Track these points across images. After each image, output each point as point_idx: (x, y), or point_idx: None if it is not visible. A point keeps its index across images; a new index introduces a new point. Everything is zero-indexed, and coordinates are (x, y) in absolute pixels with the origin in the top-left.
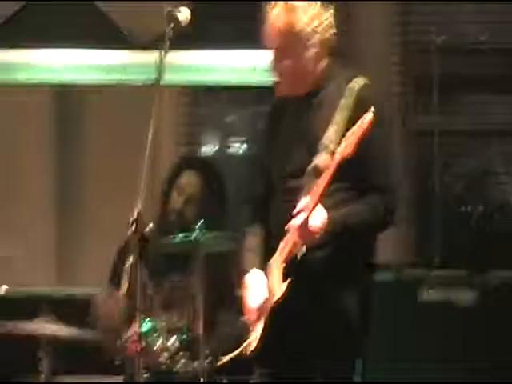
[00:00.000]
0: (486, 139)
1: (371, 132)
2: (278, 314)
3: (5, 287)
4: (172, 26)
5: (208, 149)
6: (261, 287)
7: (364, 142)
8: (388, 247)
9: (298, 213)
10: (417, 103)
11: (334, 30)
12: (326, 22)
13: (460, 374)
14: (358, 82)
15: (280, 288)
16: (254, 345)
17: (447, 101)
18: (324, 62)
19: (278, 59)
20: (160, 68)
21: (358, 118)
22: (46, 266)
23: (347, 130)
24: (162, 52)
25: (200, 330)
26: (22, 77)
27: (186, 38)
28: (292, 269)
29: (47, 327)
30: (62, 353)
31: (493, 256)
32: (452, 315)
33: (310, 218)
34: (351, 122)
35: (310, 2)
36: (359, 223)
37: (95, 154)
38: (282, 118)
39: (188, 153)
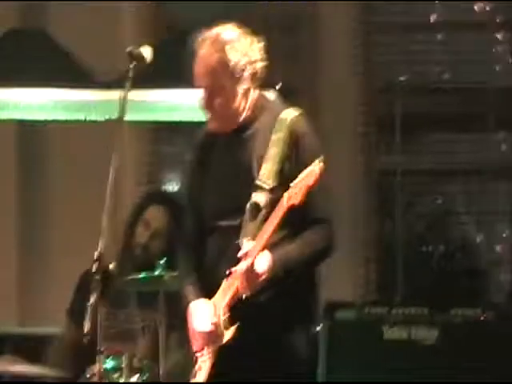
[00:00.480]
0: (448, 178)
1: (308, 166)
2: (225, 355)
3: None
4: (134, 64)
5: (170, 187)
6: (205, 312)
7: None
8: (349, 286)
9: (241, 258)
10: (379, 143)
11: (263, 62)
12: (256, 56)
13: None
14: (289, 114)
15: (225, 332)
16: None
17: (410, 140)
18: (254, 95)
19: (208, 97)
20: (122, 106)
21: (292, 152)
22: (7, 306)
23: (281, 165)
24: (124, 90)
25: (161, 368)
26: None
27: (148, 77)
28: (237, 312)
29: (11, 366)
30: None
31: (453, 294)
32: (413, 353)
33: (255, 263)
34: (285, 155)
35: (238, 36)
36: (300, 262)
37: (58, 193)
38: (212, 155)
39: (154, 188)
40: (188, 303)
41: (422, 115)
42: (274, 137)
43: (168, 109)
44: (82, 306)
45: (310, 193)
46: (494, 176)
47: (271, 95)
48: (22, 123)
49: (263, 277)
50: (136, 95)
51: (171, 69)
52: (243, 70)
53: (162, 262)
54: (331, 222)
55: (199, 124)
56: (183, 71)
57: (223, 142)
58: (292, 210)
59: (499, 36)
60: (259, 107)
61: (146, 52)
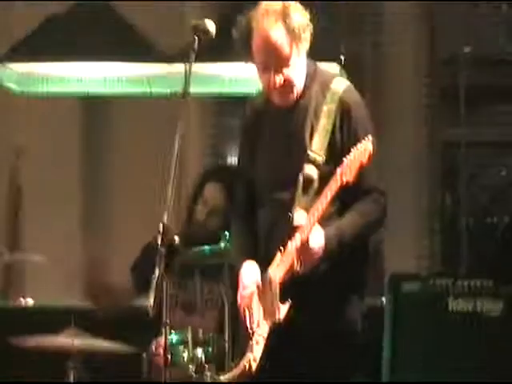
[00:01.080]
0: None
1: (359, 134)
2: (278, 335)
3: (30, 300)
4: (198, 38)
5: (233, 160)
6: (254, 268)
7: (352, 147)
8: (414, 257)
9: (294, 231)
10: (443, 114)
11: (311, 29)
12: (307, 23)
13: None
14: (340, 85)
15: (279, 308)
16: (255, 364)
17: (474, 112)
18: (306, 64)
19: (273, 70)
20: (187, 79)
21: (343, 123)
22: (73, 281)
23: (332, 136)
24: (188, 64)
25: (227, 343)
26: (51, 88)
27: (213, 50)
28: (291, 287)
29: (75, 340)
30: (90, 364)
31: None
32: (479, 325)
33: (309, 240)
34: (336, 127)
35: (291, 4)
36: (353, 235)
37: (123, 166)
38: (263, 126)
39: (212, 164)
40: (240, 266)
41: (486, 87)
42: (325, 108)
43: (231, 82)
44: (146, 276)
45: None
46: None
47: (329, 67)
48: (86, 97)
49: (318, 254)
50: (200, 68)
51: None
52: (305, 31)
53: (226, 234)
54: (382, 193)
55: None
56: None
57: (274, 113)
58: (345, 185)
59: None
60: (310, 76)
61: (211, 25)
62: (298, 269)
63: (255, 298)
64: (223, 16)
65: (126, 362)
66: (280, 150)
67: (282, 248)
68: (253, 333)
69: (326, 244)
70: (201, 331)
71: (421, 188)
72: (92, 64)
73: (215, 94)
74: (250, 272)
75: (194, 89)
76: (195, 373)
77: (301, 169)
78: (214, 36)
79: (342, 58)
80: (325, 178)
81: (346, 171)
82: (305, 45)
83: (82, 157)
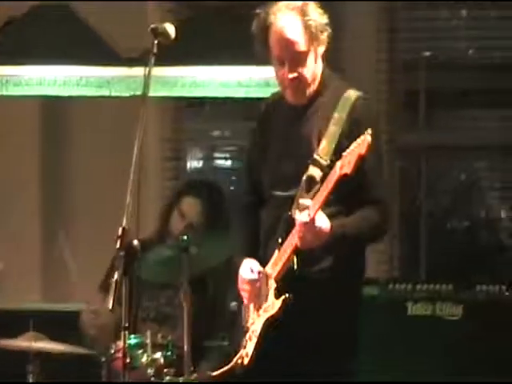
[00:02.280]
0: (473, 154)
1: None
2: (271, 331)
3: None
4: (157, 41)
5: (194, 163)
6: (253, 264)
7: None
8: (374, 262)
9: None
10: (403, 119)
11: (328, 29)
12: (329, 30)
13: None
14: (353, 94)
15: (273, 304)
16: (246, 360)
17: (434, 116)
18: (322, 68)
19: (290, 68)
20: (146, 82)
21: (351, 132)
22: (32, 282)
23: (339, 143)
24: (148, 67)
25: (186, 346)
26: (11, 91)
27: (172, 54)
28: (286, 284)
29: (35, 342)
30: (49, 368)
31: (478, 271)
32: (438, 329)
33: (316, 218)
34: (345, 134)
35: (308, 3)
36: (357, 234)
37: (82, 170)
38: (274, 126)
39: (190, 178)
40: (240, 262)
41: (446, 91)
42: (336, 115)
43: (192, 85)
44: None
45: (368, 173)
46: None
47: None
48: (46, 99)
49: (323, 233)
50: (160, 71)
51: (195, 45)
52: (322, 32)
53: (185, 237)
54: (387, 204)
55: (223, 100)
56: (206, 48)
57: (287, 111)
58: (345, 182)
59: None
60: (324, 81)
61: (170, 29)
62: (299, 245)
63: (251, 295)
64: (184, 20)
65: (86, 366)
66: (288, 149)
67: (280, 245)
68: (247, 329)
69: (331, 229)
70: (160, 335)
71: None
72: (52, 67)
73: (176, 97)
74: (248, 268)
75: (154, 92)
76: (154, 376)
77: (305, 170)
78: (173, 39)
79: None
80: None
81: (345, 163)
82: (321, 48)
83: (42, 159)
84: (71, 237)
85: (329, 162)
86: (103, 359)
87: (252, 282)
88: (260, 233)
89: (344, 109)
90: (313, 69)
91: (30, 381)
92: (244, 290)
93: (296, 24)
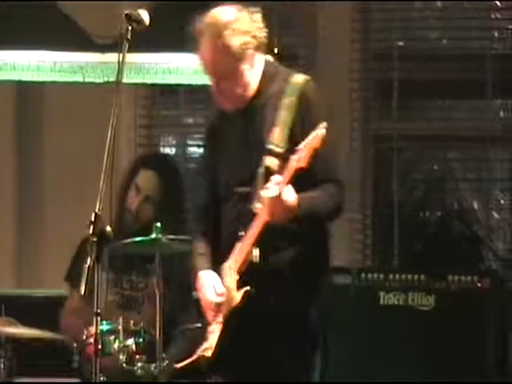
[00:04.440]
0: (446, 145)
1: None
2: (234, 321)
3: None
4: (131, 27)
5: (167, 150)
6: (217, 284)
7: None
8: (346, 251)
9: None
10: (376, 108)
11: (265, 32)
12: (257, 29)
13: (416, 375)
14: (300, 79)
15: (235, 295)
16: (210, 352)
17: (407, 106)
18: (261, 66)
19: (216, 83)
20: (119, 69)
21: (302, 115)
22: (4, 268)
23: (292, 128)
24: (122, 53)
25: (157, 332)
26: None
27: (146, 40)
28: (247, 275)
29: (6, 328)
30: (20, 353)
31: (450, 261)
32: (410, 319)
33: (283, 192)
34: (296, 119)
35: (236, 15)
36: (322, 208)
37: (55, 155)
38: (226, 128)
39: (146, 151)
40: (197, 273)
41: (419, 81)
42: (285, 101)
43: (165, 72)
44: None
45: (322, 157)
46: (492, 143)
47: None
48: (19, 84)
49: (291, 207)
50: (134, 58)
51: (169, 32)
52: (246, 49)
53: (157, 224)
54: (343, 184)
55: (196, 87)
56: (181, 34)
57: (237, 112)
58: (301, 172)
59: (498, 2)
60: (268, 75)
61: (144, 15)
62: (271, 219)
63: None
64: (159, 6)
65: (58, 351)
66: (241, 149)
67: (241, 238)
68: (210, 323)
69: (297, 204)
70: (132, 322)
71: (353, 182)
72: (26, 52)
73: (149, 84)
74: (212, 290)
75: (127, 78)
76: (126, 363)
77: (261, 162)
78: (147, 25)
79: (276, 50)
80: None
81: (301, 157)
82: (255, 51)
83: (16, 144)
84: (45, 222)
85: (284, 149)
86: (75, 345)
87: (218, 305)
88: (219, 232)
89: (293, 93)
90: (247, 76)
91: (1, 366)
92: (209, 310)
93: (219, 45)
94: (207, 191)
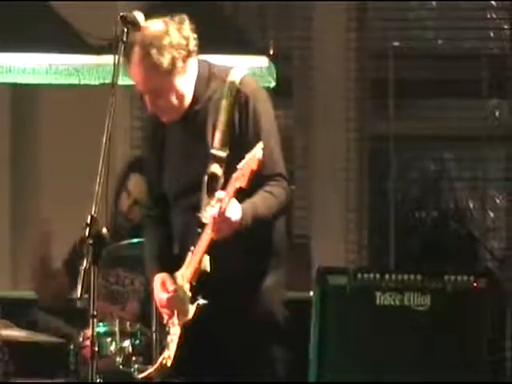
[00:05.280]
0: (441, 144)
1: (259, 126)
2: (192, 330)
3: None
4: (126, 29)
5: None
6: (167, 282)
7: (254, 136)
8: (342, 252)
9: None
10: (372, 108)
11: (194, 37)
12: (187, 39)
13: (412, 375)
14: (236, 76)
15: (188, 309)
16: (169, 361)
17: (403, 106)
18: (195, 72)
19: (150, 99)
20: (115, 71)
21: (241, 114)
22: (0, 269)
23: (233, 129)
24: (117, 56)
25: (154, 335)
26: None
27: None
28: (200, 286)
29: (2, 330)
30: (16, 355)
31: (446, 261)
32: (406, 319)
33: (227, 209)
34: (236, 119)
35: (164, 30)
36: (267, 212)
37: (51, 157)
38: (166, 134)
39: (135, 155)
40: (152, 276)
41: (415, 81)
42: (223, 102)
43: None
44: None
45: (267, 152)
46: (487, 142)
47: (259, 60)
48: (15, 87)
49: (234, 224)
50: None
51: None
52: (176, 63)
53: None
54: (286, 178)
55: None
56: None
57: (169, 126)
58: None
59: (493, 2)
60: (204, 78)
61: (139, 17)
62: (214, 237)
63: (170, 308)
64: (154, 8)
65: (54, 353)
66: (184, 157)
67: (192, 248)
68: (168, 331)
69: (242, 216)
70: (128, 323)
71: (349, 182)
72: (21, 54)
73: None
74: (161, 288)
75: (123, 80)
76: (122, 365)
77: (204, 169)
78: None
79: (271, 51)
80: (230, 174)
81: (239, 176)
82: (186, 61)
83: (12, 146)
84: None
85: (227, 152)
86: (71, 347)
87: (169, 300)
88: (170, 243)
89: (230, 94)
90: (180, 85)
91: None
92: (163, 309)
93: (145, 68)
94: (153, 206)
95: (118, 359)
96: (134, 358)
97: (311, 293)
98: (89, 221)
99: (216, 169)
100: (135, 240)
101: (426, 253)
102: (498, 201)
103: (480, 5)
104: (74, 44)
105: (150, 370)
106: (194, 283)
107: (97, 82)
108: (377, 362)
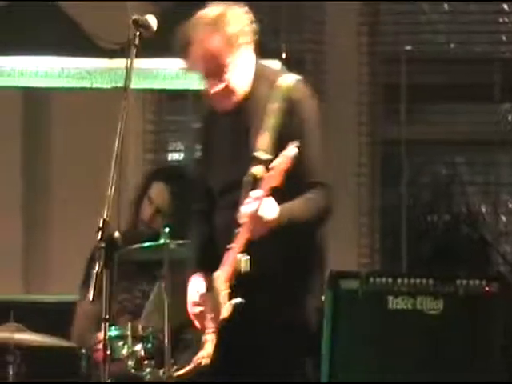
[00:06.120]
0: (454, 149)
1: (305, 133)
2: (228, 330)
3: None
4: (138, 33)
5: (175, 155)
6: (199, 287)
7: (299, 139)
8: (354, 256)
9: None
10: (384, 113)
11: (255, 28)
12: (248, 25)
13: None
14: (285, 81)
15: (226, 306)
16: (207, 360)
17: (415, 110)
18: (252, 67)
19: (210, 80)
20: (127, 75)
21: (288, 120)
22: (13, 273)
23: (278, 134)
24: (130, 59)
25: (166, 338)
26: None
27: (154, 45)
28: (237, 285)
29: (14, 334)
30: (29, 359)
31: (458, 265)
32: (418, 323)
33: (261, 207)
34: (282, 125)
35: (228, 11)
36: (303, 218)
37: (63, 160)
38: (215, 131)
39: (159, 164)
40: (189, 278)
41: (427, 85)
42: (270, 106)
43: (173, 77)
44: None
45: (308, 159)
46: (499, 147)
47: (271, 63)
48: (27, 90)
49: (270, 222)
50: (142, 63)
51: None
52: (240, 40)
53: (166, 230)
54: (330, 186)
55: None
56: None
57: (225, 116)
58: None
59: (505, 6)
60: (257, 77)
61: (152, 20)
62: (250, 236)
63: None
64: (166, 11)
65: (66, 357)
66: (230, 153)
67: (230, 247)
68: (204, 331)
69: (278, 215)
70: (140, 327)
71: (361, 186)
72: (34, 58)
73: (157, 89)
74: (195, 292)
75: (135, 84)
76: (134, 368)
77: (248, 169)
78: (155, 31)
79: (284, 55)
80: None
81: (272, 176)
82: (246, 48)
83: (23, 150)
84: (53, 227)
85: (270, 156)
86: (84, 351)
87: (201, 304)
88: (212, 241)
89: (279, 98)
90: (240, 72)
91: (11, 372)
92: (195, 310)
93: (214, 38)
94: (200, 200)
95: (129, 363)
96: (145, 362)
97: (323, 297)
98: (101, 224)
99: (258, 170)
100: (146, 244)
101: (438, 257)
102: (510, 205)
103: (492, 8)
104: (86, 47)
105: (186, 369)
106: (231, 283)
107: (109, 86)
108: (389, 367)
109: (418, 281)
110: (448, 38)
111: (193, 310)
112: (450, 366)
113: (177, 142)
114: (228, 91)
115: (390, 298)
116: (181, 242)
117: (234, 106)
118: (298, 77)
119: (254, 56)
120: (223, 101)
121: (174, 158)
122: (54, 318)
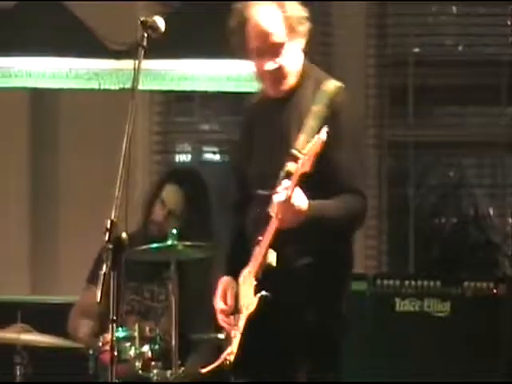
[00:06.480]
0: (461, 151)
1: (345, 136)
2: (255, 326)
3: None
4: (146, 34)
5: (183, 157)
6: (229, 292)
7: (338, 146)
8: (361, 257)
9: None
10: (392, 115)
11: (310, 27)
12: (306, 20)
13: (431, 381)
14: (330, 86)
15: (252, 301)
16: (232, 357)
17: (422, 113)
18: (301, 60)
19: (266, 59)
20: (135, 76)
21: (330, 126)
22: (20, 274)
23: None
24: (138, 60)
25: (173, 339)
26: (1, 82)
27: (161, 47)
28: (265, 280)
29: (21, 335)
30: (36, 360)
31: (466, 267)
32: (426, 325)
33: (293, 197)
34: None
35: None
36: (335, 216)
37: (70, 161)
38: (258, 123)
39: (171, 166)
40: (218, 277)
41: (435, 88)
42: (313, 108)
43: (181, 79)
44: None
45: (345, 162)
46: (507, 149)
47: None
48: (34, 91)
49: (301, 211)
50: (149, 64)
51: (184, 38)
52: (301, 25)
53: (174, 231)
54: (364, 194)
55: (211, 94)
56: (195, 41)
57: (267, 105)
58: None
59: None
60: (304, 74)
61: (160, 21)
62: (279, 226)
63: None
64: (174, 13)
65: (73, 358)
66: (268, 146)
67: (258, 240)
68: (231, 327)
69: (308, 209)
70: (147, 328)
71: (368, 188)
72: (41, 58)
73: (164, 90)
74: (222, 301)
75: (143, 85)
76: (142, 370)
77: (283, 165)
78: (163, 32)
79: None
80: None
81: (305, 161)
82: (300, 40)
83: (31, 151)
84: (60, 229)
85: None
86: (91, 352)
87: (224, 313)
88: (245, 232)
89: (322, 101)
90: (291, 61)
91: (18, 373)
92: (219, 316)
93: (273, 16)
94: (236, 190)
95: (137, 364)
96: (153, 363)
97: None
98: (108, 225)
99: (293, 167)
100: (154, 245)
101: (445, 259)
102: None
103: (500, 10)
104: (94, 48)
105: (213, 365)
106: (258, 277)
107: (116, 87)
108: (397, 369)
109: (425, 283)
110: (456, 41)
111: (219, 305)
112: (457, 367)
113: (184, 143)
114: (281, 74)
115: (398, 299)
116: (189, 243)
117: (280, 94)
118: (342, 85)
119: (302, 54)
120: (274, 83)
121: (182, 160)
122: (61, 318)
